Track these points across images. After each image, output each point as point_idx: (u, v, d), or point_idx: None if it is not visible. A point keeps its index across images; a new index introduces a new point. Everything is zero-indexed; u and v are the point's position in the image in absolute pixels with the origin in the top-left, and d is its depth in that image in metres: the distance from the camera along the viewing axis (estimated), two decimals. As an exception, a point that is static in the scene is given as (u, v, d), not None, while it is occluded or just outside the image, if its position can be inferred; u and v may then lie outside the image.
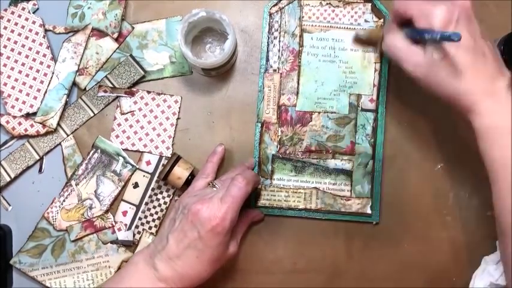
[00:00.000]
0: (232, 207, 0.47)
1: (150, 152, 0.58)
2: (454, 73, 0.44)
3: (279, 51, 0.58)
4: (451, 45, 0.43)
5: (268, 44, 0.58)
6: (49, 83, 0.58)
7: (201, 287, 0.51)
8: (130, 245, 0.57)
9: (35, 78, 0.58)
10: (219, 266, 0.50)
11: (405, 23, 0.47)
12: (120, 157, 0.58)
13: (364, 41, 0.57)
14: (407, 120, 0.58)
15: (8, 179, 0.57)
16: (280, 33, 0.58)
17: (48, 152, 0.58)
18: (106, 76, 0.58)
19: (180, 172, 0.55)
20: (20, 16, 0.58)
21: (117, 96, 0.58)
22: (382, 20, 0.58)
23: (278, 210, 0.57)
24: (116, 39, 0.58)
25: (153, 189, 0.58)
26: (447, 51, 0.43)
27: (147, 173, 0.58)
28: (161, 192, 0.58)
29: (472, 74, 0.44)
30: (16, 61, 0.58)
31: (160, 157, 0.58)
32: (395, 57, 0.47)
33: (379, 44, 0.53)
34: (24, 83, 0.58)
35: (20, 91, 0.57)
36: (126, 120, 0.58)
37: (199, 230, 0.46)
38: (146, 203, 0.58)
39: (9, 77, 0.58)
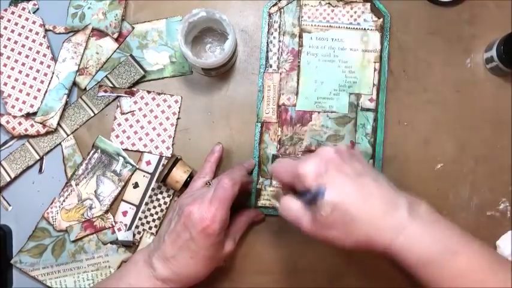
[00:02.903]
0: (221, 208, 0.47)
1: (150, 152, 0.58)
2: (349, 223, 0.40)
3: (278, 51, 0.58)
4: (327, 200, 0.40)
5: (267, 44, 0.58)
6: (49, 83, 0.58)
7: (201, 287, 0.51)
8: (130, 245, 0.57)
9: (35, 78, 0.58)
10: (215, 265, 0.50)
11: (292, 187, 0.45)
12: (120, 157, 0.58)
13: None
14: (407, 120, 0.58)
15: (8, 179, 0.57)
16: (279, 33, 0.59)
17: (48, 152, 0.58)
18: (106, 76, 0.58)
19: (179, 175, 0.55)
20: (20, 16, 0.58)
21: (117, 96, 0.58)
22: (381, 20, 0.58)
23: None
24: (116, 39, 0.58)
25: (153, 189, 0.58)
26: (325, 204, 0.40)
27: (147, 173, 0.58)
28: (161, 193, 0.58)
29: (366, 217, 0.40)
30: (16, 61, 0.58)
31: (161, 157, 0.58)
32: (291, 220, 0.44)
33: None
34: (24, 83, 0.58)
35: (20, 91, 0.58)
36: (126, 120, 0.58)
37: (191, 231, 0.46)
38: (146, 203, 0.58)
39: (9, 77, 0.58)
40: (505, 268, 0.39)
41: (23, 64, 0.58)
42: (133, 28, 0.59)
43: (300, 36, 0.58)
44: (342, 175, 0.41)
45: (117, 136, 0.58)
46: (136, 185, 0.58)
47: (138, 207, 0.58)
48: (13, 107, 0.57)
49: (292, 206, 0.44)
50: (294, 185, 0.43)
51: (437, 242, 0.40)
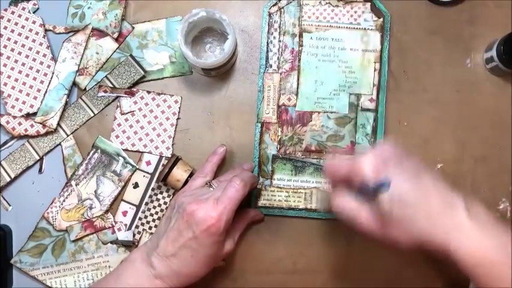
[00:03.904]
0: (229, 208, 0.47)
1: (150, 152, 0.58)
2: (408, 221, 0.40)
3: (278, 51, 0.58)
4: (395, 196, 0.40)
5: (267, 44, 0.58)
6: (49, 83, 0.58)
7: (202, 287, 0.51)
8: (130, 245, 0.57)
9: (35, 78, 0.58)
10: (214, 264, 0.50)
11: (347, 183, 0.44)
12: (120, 157, 0.58)
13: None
14: (407, 120, 0.58)
15: (8, 179, 0.57)
16: (279, 33, 0.58)
17: (48, 152, 0.58)
18: (106, 76, 0.58)
19: (179, 174, 0.55)
20: (20, 16, 0.58)
21: (117, 96, 0.58)
22: (381, 20, 0.58)
23: (278, 210, 0.57)
24: (116, 39, 0.58)
25: (153, 189, 0.58)
26: (380, 199, 0.40)
27: (147, 173, 0.58)
28: (161, 192, 0.58)
29: (426, 215, 0.40)
30: (16, 61, 0.58)
31: (160, 157, 0.58)
32: (347, 216, 0.44)
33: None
34: (24, 83, 0.58)
35: (20, 91, 0.58)
36: (126, 120, 0.58)
37: (194, 230, 0.46)
38: (146, 203, 0.58)
39: (9, 77, 0.58)
40: None
41: (23, 64, 0.58)
42: (133, 28, 0.59)
43: (300, 36, 0.58)
44: (402, 171, 0.41)
45: (117, 136, 0.58)
46: (136, 185, 0.58)
47: (138, 207, 0.58)
48: (13, 107, 0.57)
49: (347, 203, 0.44)
50: (349, 181, 0.43)
51: (496, 244, 0.39)
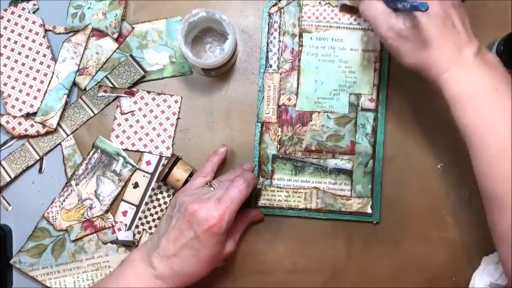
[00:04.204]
0: (231, 208, 0.47)
1: (150, 152, 0.58)
2: (423, 42, 0.45)
3: (278, 51, 0.58)
4: (421, 15, 0.44)
5: (267, 44, 0.58)
6: (49, 83, 0.58)
7: (202, 287, 0.51)
8: (130, 245, 0.57)
9: (35, 78, 0.58)
10: (215, 265, 0.50)
11: None
12: (120, 157, 0.58)
13: (350, 8, 0.57)
14: (407, 120, 0.58)
15: (8, 179, 0.57)
16: (279, 33, 0.59)
17: (48, 152, 0.58)
18: (106, 76, 0.58)
19: (179, 174, 0.55)
20: (20, 16, 0.58)
21: (117, 96, 0.58)
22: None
23: (278, 210, 0.57)
24: (116, 39, 0.58)
25: (153, 189, 0.58)
26: (417, 20, 0.44)
27: (147, 173, 0.58)
28: (161, 192, 0.58)
29: (440, 43, 0.44)
30: (16, 61, 0.58)
31: (160, 157, 0.58)
32: (370, 20, 0.47)
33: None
34: (24, 83, 0.58)
35: (20, 91, 0.58)
36: (126, 120, 0.58)
37: (195, 229, 0.46)
38: (146, 203, 0.58)
39: (9, 77, 0.58)
40: None
41: (23, 64, 0.58)
42: (133, 28, 0.59)
43: (300, 36, 0.58)
44: (441, 3, 0.44)
45: (117, 136, 0.58)
46: (136, 185, 0.58)
47: (138, 207, 0.58)
48: (13, 107, 0.57)
49: (376, 5, 0.46)
50: None
51: (485, 81, 0.44)
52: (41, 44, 0.58)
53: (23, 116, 0.57)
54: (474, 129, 0.44)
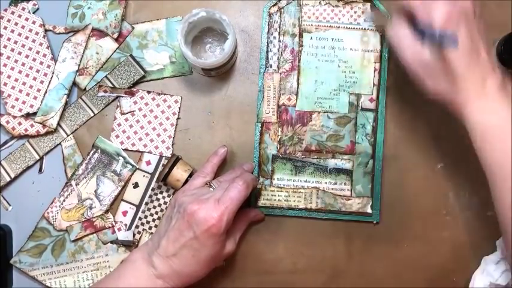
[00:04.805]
0: (230, 208, 0.47)
1: (150, 152, 0.58)
2: (448, 74, 0.45)
3: (278, 51, 0.58)
4: (452, 53, 0.44)
5: (267, 44, 0.58)
6: (49, 83, 0.58)
7: (201, 287, 0.51)
8: (130, 245, 0.57)
9: (35, 78, 0.58)
10: (216, 265, 0.50)
11: (410, 19, 0.48)
12: (120, 157, 0.58)
13: (377, 23, 0.58)
14: (407, 120, 0.58)
15: (8, 179, 0.57)
16: (279, 33, 0.59)
17: (48, 152, 0.58)
18: (106, 76, 0.58)
19: (179, 174, 0.55)
20: (20, 16, 0.58)
21: (117, 96, 0.58)
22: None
23: (278, 210, 0.57)
24: (116, 39, 0.58)
25: (153, 189, 0.58)
26: (445, 53, 0.44)
27: (147, 173, 0.58)
28: (161, 192, 0.58)
29: (466, 76, 0.44)
30: (16, 61, 0.58)
31: (161, 157, 0.58)
32: (397, 46, 0.48)
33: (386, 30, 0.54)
34: (24, 83, 0.58)
35: (20, 91, 0.58)
36: (126, 120, 0.58)
37: (194, 230, 0.46)
38: (146, 203, 0.58)
39: (9, 77, 0.58)
40: None
41: (23, 64, 0.58)
42: (133, 28, 0.59)
43: (300, 36, 0.58)
44: (468, 33, 0.44)
45: (117, 136, 0.58)
46: (136, 185, 0.58)
47: (138, 207, 0.58)
48: (13, 107, 0.57)
49: (404, 31, 0.46)
50: (414, 14, 0.45)
51: (508, 114, 0.44)
52: (41, 44, 0.58)
53: (23, 116, 0.57)
54: (495, 162, 0.44)
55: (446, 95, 0.46)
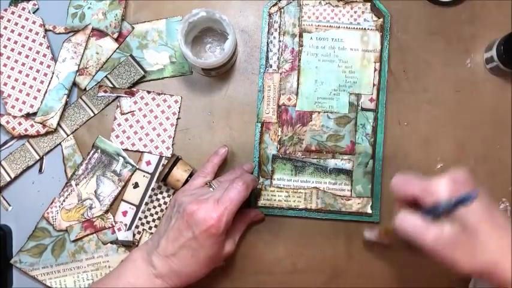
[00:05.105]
0: (229, 209, 0.47)
1: (150, 152, 0.58)
2: (477, 244, 0.40)
3: (278, 51, 0.58)
4: (468, 215, 0.40)
5: (268, 44, 0.58)
6: (49, 83, 0.58)
7: (201, 287, 0.51)
8: (130, 245, 0.57)
9: (35, 78, 0.58)
10: (215, 265, 0.50)
11: (410, 203, 0.45)
12: (120, 157, 0.58)
13: (375, 241, 0.55)
14: (407, 120, 0.58)
15: (8, 179, 0.57)
16: (279, 33, 0.59)
17: (48, 152, 0.58)
18: (106, 76, 0.58)
19: (179, 174, 0.55)
20: (20, 16, 0.58)
21: (117, 96, 0.58)
22: (381, 20, 0.58)
23: (278, 210, 0.57)
24: (116, 39, 0.58)
25: (153, 189, 0.58)
26: (464, 221, 0.40)
27: (147, 173, 0.58)
28: (161, 192, 0.58)
29: (496, 242, 0.40)
30: (16, 61, 0.58)
31: (161, 157, 0.58)
32: (413, 235, 0.43)
33: (391, 237, 0.51)
34: (24, 83, 0.58)
35: (20, 91, 0.58)
36: (126, 120, 0.58)
37: (194, 230, 0.46)
38: (146, 203, 0.58)
39: (9, 77, 0.58)
40: None
41: (23, 64, 0.58)
42: (133, 28, 0.59)
43: (300, 36, 0.58)
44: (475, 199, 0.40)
45: (117, 136, 0.58)
46: (136, 185, 0.58)
47: (138, 207, 0.58)
48: (13, 107, 0.57)
49: (413, 220, 0.42)
50: (415, 201, 0.43)
51: None
52: (41, 44, 0.58)
53: (23, 116, 0.57)
54: None
55: (484, 269, 0.41)
